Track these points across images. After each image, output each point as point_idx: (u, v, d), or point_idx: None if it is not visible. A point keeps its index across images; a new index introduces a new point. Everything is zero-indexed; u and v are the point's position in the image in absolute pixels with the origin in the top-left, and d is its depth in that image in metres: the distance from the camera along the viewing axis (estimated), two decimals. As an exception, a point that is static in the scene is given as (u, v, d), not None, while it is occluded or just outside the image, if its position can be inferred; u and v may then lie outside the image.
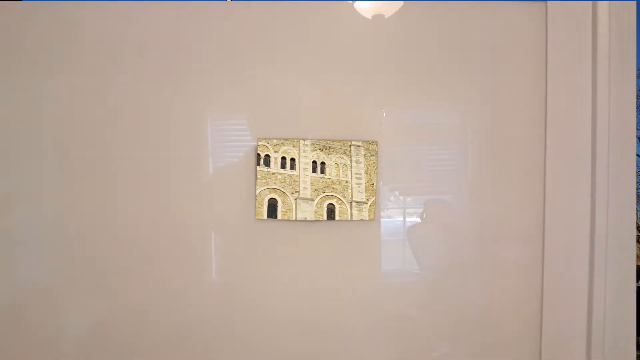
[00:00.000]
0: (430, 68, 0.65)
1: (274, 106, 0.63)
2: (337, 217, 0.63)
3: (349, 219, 0.63)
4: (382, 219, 0.65)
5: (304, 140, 0.63)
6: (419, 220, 0.66)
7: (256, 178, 0.62)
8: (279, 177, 0.63)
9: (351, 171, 0.63)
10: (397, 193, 0.66)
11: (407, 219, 0.66)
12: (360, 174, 0.63)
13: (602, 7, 0.61)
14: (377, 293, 0.65)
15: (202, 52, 0.62)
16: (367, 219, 0.63)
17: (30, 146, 0.62)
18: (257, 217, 0.62)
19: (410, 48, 0.64)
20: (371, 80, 0.64)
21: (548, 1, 0.62)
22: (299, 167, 0.63)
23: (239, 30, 0.63)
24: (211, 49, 0.63)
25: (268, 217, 0.62)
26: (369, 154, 0.63)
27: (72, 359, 0.63)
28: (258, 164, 0.62)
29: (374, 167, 0.63)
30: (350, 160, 0.63)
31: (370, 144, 0.63)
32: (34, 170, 0.62)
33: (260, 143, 0.62)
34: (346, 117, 0.64)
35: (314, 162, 0.63)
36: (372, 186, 0.63)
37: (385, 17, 0.64)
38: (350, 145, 0.63)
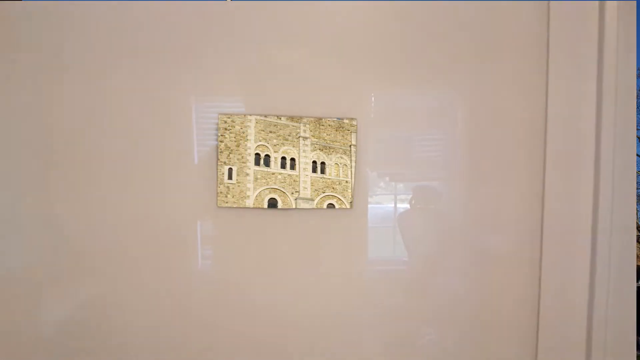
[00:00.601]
0: (424, 54, 0.64)
1: (271, 84, 0.63)
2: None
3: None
4: (370, 205, 0.64)
5: (295, 122, 0.63)
6: (408, 206, 0.66)
7: (217, 160, 0.62)
8: (279, 177, 0.63)
9: (351, 171, 0.63)
10: (387, 179, 0.66)
11: (398, 205, 0.66)
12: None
13: (606, 6, 0.61)
14: (362, 280, 0.65)
15: (195, 39, 0.62)
16: (346, 207, 0.63)
17: (22, 140, 0.62)
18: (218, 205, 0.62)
19: (405, 33, 0.64)
20: (360, 63, 0.64)
21: (551, 1, 0.62)
22: (299, 167, 0.63)
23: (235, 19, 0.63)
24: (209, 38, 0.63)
25: (268, 217, 0.62)
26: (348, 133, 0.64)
27: (55, 344, 0.63)
28: (257, 164, 0.62)
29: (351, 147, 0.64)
30: (350, 160, 0.63)
31: (351, 119, 0.63)
32: (26, 164, 0.62)
33: (260, 143, 0.62)
34: (333, 98, 0.64)
35: (314, 162, 0.63)
36: (349, 171, 0.63)
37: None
38: (350, 146, 0.63)
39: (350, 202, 0.63)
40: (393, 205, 0.65)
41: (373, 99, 0.64)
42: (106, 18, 0.62)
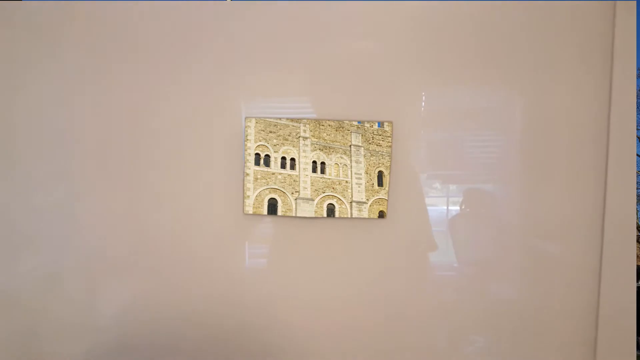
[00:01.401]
0: (480, 52, 0.62)
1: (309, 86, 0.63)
2: (337, 215, 0.63)
3: (349, 216, 0.63)
4: (413, 211, 0.62)
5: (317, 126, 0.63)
6: (458, 209, 0.63)
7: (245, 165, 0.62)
8: (279, 177, 0.63)
9: (351, 171, 0.63)
10: (437, 181, 0.63)
11: (450, 208, 0.63)
12: (360, 174, 0.63)
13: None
14: (407, 287, 0.63)
15: (241, 45, 0.63)
16: (367, 216, 0.63)
17: (79, 144, 0.63)
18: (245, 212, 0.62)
19: (462, 31, 0.61)
20: (410, 61, 0.62)
21: (617, 1, 0.60)
22: (299, 167, 0.63)
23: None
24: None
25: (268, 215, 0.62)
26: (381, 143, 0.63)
27: (108, 335, 0.64)
28: (257, 164, 0.62)
29: (386, 156, 0.63)
30: (350, 160, 0.63)
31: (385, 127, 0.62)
32: (84, 167, 0.64)
33: (260, 143, 0.62)
34: (379, 99, 0.63)
35: (314, 162, 0.63)
36: (373, 185, 0.63)
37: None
38: (350, 146, 0.63)
39: (381, 212, 0.63)
40: (444, 208, 0.63)
41: (424, 97, 0.63)
42: (157, 20, 0.63)
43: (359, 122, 0.63)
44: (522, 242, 0.63)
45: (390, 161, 0.63)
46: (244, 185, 0.62)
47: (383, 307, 0.64)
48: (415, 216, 0.63)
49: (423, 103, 0.63)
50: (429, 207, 0.63)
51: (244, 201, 0.62)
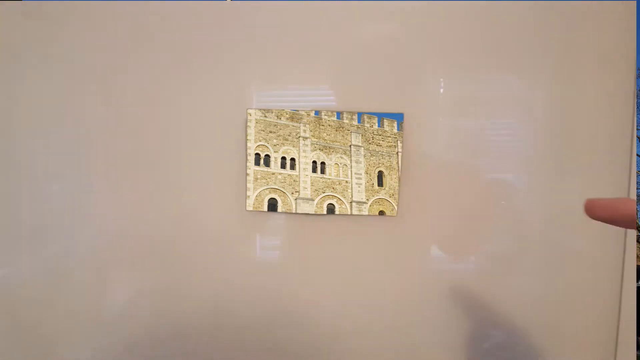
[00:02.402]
0: (501, 39, 0.60)
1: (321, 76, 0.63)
2: (336, 212, 0.63)
3: (349, 213, 0.63)
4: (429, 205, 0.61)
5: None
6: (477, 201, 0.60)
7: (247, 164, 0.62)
8: (279, 177, 0.63)
9: (351, 171, 0.63)
10: (458, 172, 0.61)
11: (468, 200, 0.61)
12: (360, 174, 0.63)
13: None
14: (426, 281, 0.61)
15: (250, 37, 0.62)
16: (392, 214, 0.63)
17: (90, 139, 0.63)
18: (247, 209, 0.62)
19: (483, 17, 0.60)
20: (430, 47, 0.60)
21: (624, 0, 0.59)
22: (299, 167, 0.63)
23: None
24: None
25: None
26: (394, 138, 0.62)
27: (115, 327, 0.64)
28: (257, 164, 0.62)
29: (393, 147, 0.62)
30: (350, 160, 0.63)
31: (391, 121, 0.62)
32: (95, 161, 0.63)
33: (260, 143, 0.62)
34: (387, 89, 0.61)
35: (314, 162, 0.63)
36: (373, 185, 0.63)
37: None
38: (350, 146, 0.63)
39: (381, 212, 0.62)
40: (462, 200, 0.61)
41: (442, 84, 0.61)
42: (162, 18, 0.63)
43: (359, 122, 0.63)
44: (544, 235, 0.61)
45: (398, 158, 0.62)
46: (246, 182, 0.62)
47: (397, 302, 0.63)
48: (430, 209, 0.62)
49: (441, 90, 0.61)
50: (445, 200, 0.61)
51: (246, 200, 0.62)
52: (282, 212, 0.62)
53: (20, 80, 0.63)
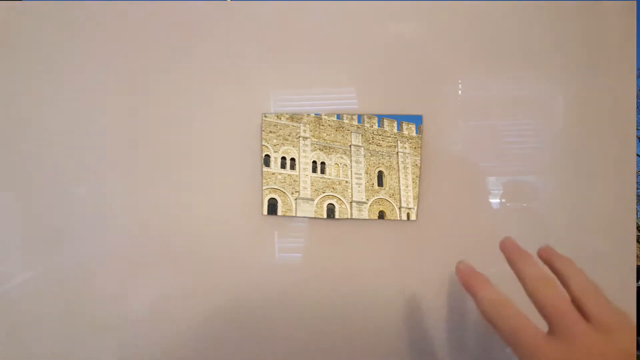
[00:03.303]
0: (521, 37, 0.59)
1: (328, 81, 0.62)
2: (337, 215, 0.63)
3: (349, 217, 0.63)
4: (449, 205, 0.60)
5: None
6: (497, 203, 0.59)
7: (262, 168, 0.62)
8: (279, 177, 0.63)
9: (351, 171, 0.63)
10: (478, 174, 0.60)
11: (489, 202, 0.60)
12: (360, 174, 0.63)
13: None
14: (445, 285, 0.61)
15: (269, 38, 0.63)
16: (367, 217, 0.63)
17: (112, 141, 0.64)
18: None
19: (503, 15, 0.59)
20: (449, 47, 0.60)
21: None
22: (299, 167, 0.63)
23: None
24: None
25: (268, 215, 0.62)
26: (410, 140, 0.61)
27: (139, 327, 0.64)
28: (267, 164, 0.62)
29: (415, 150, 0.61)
30: (350, 160, 0.63)
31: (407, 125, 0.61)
32: (114, 162, 0.64)
33: (261, 144, 0.62)
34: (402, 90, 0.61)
35: (314, 162, 0.63)
36: (373, 185, 0.63)
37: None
38: (350, 146, 0.63)
39: (409, 213, 0.61)
40: (483, 202, 0.60)
41: (460, 86, 0.60)
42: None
43: (359, 122, 0.63)
44: (565, 237, 0.59)
45: (397, 158, 0.62)
46: (262, 184, 0.62)
47: (417, 306, 0.62)
48: (450, 213, 0.61)
49: (460, 92, 0.60)
50: (466, 202, 0.60)
51: (262, 201, 0.62)
52: (301, 217, 0.63)
53: (41, 82, 0.64)
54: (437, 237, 0.62)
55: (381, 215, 0.63)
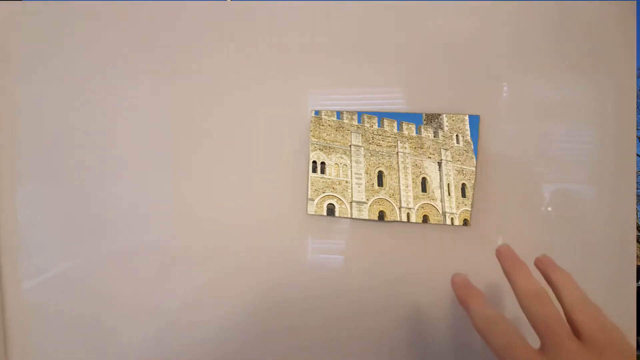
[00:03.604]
0: (570, 37, 0.58)
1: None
2: (336, 214, 0.63)
3: (349, 216, 0.63)
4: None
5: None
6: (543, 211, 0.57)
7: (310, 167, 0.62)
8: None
9: (351, 171, 0.63)
10: (524, 181, 0.58)
11: (535, 210, 0.58)
12: (360, 174, 0.63)
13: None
14: (500, 291, 0.59)
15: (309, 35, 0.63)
16: (367, 217, 0.63)
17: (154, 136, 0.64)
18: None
19: (554, 13, 0.58)
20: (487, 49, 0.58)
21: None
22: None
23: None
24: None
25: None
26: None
27: (172, 319, 0.64)
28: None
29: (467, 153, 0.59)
30: (350, 160, 0.63)
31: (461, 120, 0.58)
32: (156, 158, 0.64)
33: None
34: (448, 91, 0.60)
35: (314, 162, 0.63)
36: (373, 185, 0.63)
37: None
38: (350, 146, 0.63)
39: (465, 220, 0.60)
40: (528, 210, 0.58)
41: (506, 88, 0.58)
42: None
43: (359, 122, 0.63)
44: (612, 248, 0.58)
45: (397, 158, 0.62)
46: (308, 183, 0.62)
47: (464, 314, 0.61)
48: (505, 218, 0.60)
49: (504, 94, 0.59)
50: (514, 210, 0.58)
51: (307, 201, 0.62)
52: (341, 217, 0.62)
53: (87, 78, 0.64)
54: (491, 244, 0.58)
55: (381, 215, 0.63)
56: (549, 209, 0.58)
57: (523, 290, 0.39)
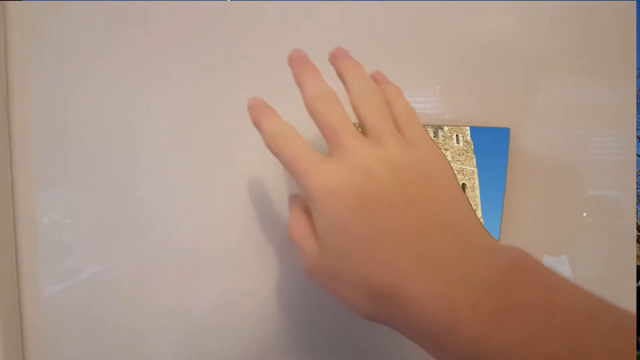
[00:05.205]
0: (602, 44, 0.56)
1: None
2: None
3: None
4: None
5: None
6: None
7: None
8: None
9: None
10: (557, 188, 0.56)
11: (568, 218, 0.57)
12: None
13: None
14: None
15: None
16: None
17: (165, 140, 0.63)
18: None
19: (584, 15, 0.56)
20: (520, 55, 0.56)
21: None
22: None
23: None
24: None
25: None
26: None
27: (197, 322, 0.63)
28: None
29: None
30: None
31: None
32: (170, 162, 0.63)
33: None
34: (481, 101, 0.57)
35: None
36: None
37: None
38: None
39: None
40: (561, 218, 0.56)
41: (549, 91, 0.57)
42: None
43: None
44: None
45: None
46: None
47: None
48: (535, 229, 0.58)
49: (539, 98, 0.57)
50: (545, 218, 0.56)
51: None
52: None
53: (107, 76, 0.63)
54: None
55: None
56: (584, 215, 0.56)
57: (310, 93, 0.35)
